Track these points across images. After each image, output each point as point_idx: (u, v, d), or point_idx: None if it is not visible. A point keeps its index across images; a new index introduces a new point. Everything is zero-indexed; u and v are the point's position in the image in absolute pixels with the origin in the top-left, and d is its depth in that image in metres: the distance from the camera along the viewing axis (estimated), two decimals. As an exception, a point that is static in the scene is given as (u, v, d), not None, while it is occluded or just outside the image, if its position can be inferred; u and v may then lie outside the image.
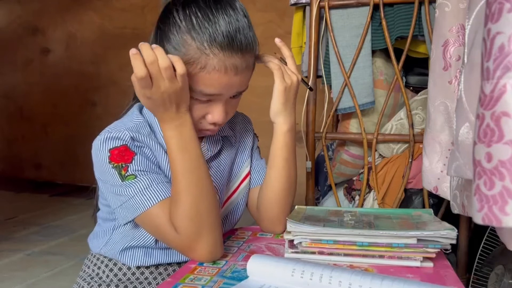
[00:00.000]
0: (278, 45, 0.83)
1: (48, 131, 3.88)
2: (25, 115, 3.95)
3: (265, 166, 0.96)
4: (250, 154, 0.92)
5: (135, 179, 0.70)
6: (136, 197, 0.70)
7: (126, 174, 0.70)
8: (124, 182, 0.70)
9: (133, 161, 0.71)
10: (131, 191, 0.70)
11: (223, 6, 0.69)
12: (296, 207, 0.88)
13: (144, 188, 0.70)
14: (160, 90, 0.66)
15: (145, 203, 0.70)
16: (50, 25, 3.76)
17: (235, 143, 0.90)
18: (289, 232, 0.70)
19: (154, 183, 0.71)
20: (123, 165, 0.71)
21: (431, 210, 0.83)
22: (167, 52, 0.68)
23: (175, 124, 0.70)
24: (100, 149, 0.72)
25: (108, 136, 0.72)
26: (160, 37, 0.72)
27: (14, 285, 1.87)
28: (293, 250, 0.72)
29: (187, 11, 0.69)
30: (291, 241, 0.71)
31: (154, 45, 0.66)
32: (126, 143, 0.72)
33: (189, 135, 0.70)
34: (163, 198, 0.71)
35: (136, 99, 0.85)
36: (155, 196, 0.70)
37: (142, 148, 0.74)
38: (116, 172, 0.71)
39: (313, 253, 0.71)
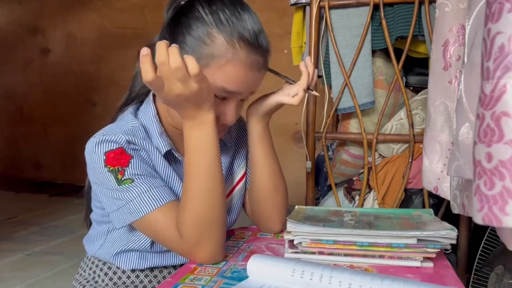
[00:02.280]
0: (303, 66, 0.81)
1: (48, 131, 3.88)
2: (25, 115, 3.95)
3: None
4: (245, 156, 0.92)
5: (132, 183, 0.69)
6: (135, 202, 0.69)
7: (122, 178, 0.69)
8: (121, 186, 0.69)
9: (130, 165, 0.70)
10: (129, 195, 0.69)
11: (246, 7, 0.71)
12: (296, 207, 0.88)
13: (143, 193, 0.69)
14: (173, 93, 0.62)
15: (144, 208, 0.69)
16: (50, 25, 3.76)
17: (231, 146, 0.89)
18: (289, 232, 0.70)
19: (153, 188, 0.70)
20: (120, 169, 0.69)
21: (431, 210, 0.83)
22: (182, 45, 0.68)
23: (195, 123, 0.67)
24: (95, 151, 0.70)
25: (103, 139, 0.71)
26: (176, 30, 0.71)
27: (14, 285, 1.87)
28: (293, 250, 0.72)
29: (213, 7, 0.69)
30: (291, 241, 0.71)
31: (172, 45, 0.61)
32: (122, 146, 0.71)
33: (209, 136, 0.68)
34: (163, 203, 0.70)
35: (131, 102, 0.85)
36: (154, 201, 0.69)
37: (138, 151, 0.73)
38: (112, 176, 0.69)
39: (313, 253, 0.71)
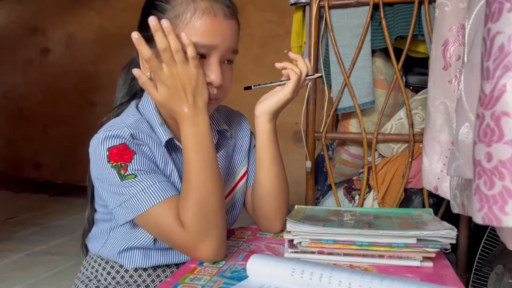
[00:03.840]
0: (293, 56, 0.87)
1: (48, 131, 3.88)
2: (25, 115, 3.95)
3: None
4: (247, 154, 0.92)
5: (135, 179, 0.70)
6: (138, 196, 0.69)
7: (125, 174, 0.70)
8: (123, 182, 0.70)
9: (133, 160, 0.71)
10: (132, 190, 0.70)
11: None
12: (296, 206, 0.88)
13: (146, 187, 0.70)
14: (172, 76, 0.68)
15: (147, 202, 0.69)
16: (50, 25, 3.76)
17: (231, 139, 0.89)
18: (289, 232, 0.70)
19: (156, 182, 0.71)
20: (122, 165, 0.70)
21: (431, 210, 0.83)
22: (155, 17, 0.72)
23: (192, 121, 0.70)
24: (99, 148, 0.71)
25: (107, 134, 0.71)
26: (145, 14, 0.75)
27: (14, 285, 1.87)
28: (293, 250, 0.72)
29: None
30: (291, 240, 0.71)
31: (166, 26, 0.67)
32: (125, 141, 0.72)
33: (205, 132, 0.71)
34: (166, 197, 0.70)
35: (132, 98, 0.86)
36: (158, 195, 0.70)
37: (141, 146, 0.73)
38: (115, 171, 0.70)
39: (313, 252, 0.71)
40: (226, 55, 0.75)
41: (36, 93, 3.87)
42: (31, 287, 1.87)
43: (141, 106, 0.81)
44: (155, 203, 0.69)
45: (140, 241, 0.77)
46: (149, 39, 0.74)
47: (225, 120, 0.90)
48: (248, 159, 0.92)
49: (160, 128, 0.77)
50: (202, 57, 0.72)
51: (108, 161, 0.70)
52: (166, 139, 0.77)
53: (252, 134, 0.96)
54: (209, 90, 0.73)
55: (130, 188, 0.70)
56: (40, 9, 3.76)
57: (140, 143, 0.74)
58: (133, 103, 0.82)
